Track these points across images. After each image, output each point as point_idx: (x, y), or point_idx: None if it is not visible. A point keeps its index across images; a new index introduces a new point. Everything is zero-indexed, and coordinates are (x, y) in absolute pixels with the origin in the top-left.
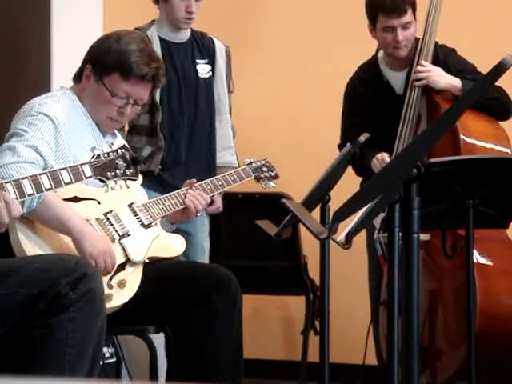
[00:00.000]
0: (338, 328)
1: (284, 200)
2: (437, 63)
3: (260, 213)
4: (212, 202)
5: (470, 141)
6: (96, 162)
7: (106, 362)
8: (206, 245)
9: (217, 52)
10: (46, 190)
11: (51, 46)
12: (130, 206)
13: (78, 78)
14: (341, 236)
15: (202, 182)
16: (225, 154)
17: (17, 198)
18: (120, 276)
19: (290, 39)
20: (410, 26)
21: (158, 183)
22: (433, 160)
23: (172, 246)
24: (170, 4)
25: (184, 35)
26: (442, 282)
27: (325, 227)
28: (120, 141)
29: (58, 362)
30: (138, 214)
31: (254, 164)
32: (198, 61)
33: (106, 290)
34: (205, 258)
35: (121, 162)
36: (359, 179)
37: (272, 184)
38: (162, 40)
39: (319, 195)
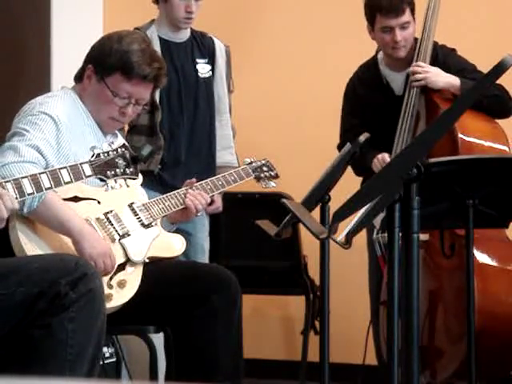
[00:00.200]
0: (338, 328)
1: (284, 200)
2: (436, 63)
3: (260, 213)
4: (212, 202)
5: (468, 139)
6: (96, 161)
7: (106, 361)
8: (206, 245)
9: (217, 52)
10: (46, 189)
11: (51, 46)
12: (130, 205)
13: (79, 77)
14: (341, 236)
15: (202, 181)
16: (225, 154)
17: (17, 198)
18: (120, 276)
19: (289, 39)
20: (409, 26)
21: (157, 183)
22: (433, 160)
23: (172, 245)
24: (169, 4)
25: (184, 35)
26: (441, 281)
27: (325, 227)
28: (120, 141)
29: (57, 362)
30: (138, 214)
31: (254, 164)
32: (197, 60)
33: (106, 290)
34: (205, 258)
35: (121, 161)
36: (359, 179)
37: (272, 184)
38: (161, 40)
39: (319, 195)
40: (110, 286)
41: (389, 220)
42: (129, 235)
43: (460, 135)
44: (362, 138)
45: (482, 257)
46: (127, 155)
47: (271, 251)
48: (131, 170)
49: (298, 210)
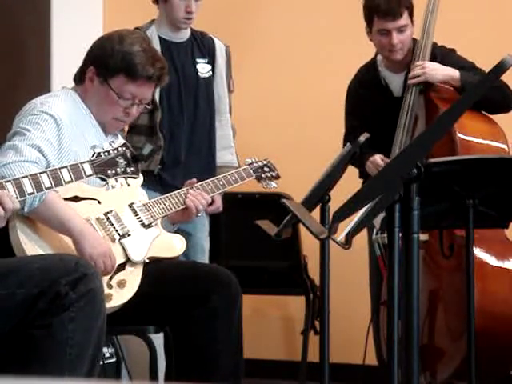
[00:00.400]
0: (338, 328)
1: (284, 200)
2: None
3: (260, 213)
4: (212, 202)
5: (466, 139)
6: (96, 161)
7: (106, 362)
8: (206, 245)
9: (217, 51)
10: (46, 188)
11: (51, 46)
12: (131, 205)
13: (79, 79)
14: (341, 236)
15: (203, 181)
16: (225, 154)
17: (17, 197)
18: (120, 276)
19: (290, 39)
20: (406, 29)
21: (157, 183)
22: (433, 160)
23: (172, 245)
24: (169, 4)
25: (184, 35)
26: (441, 281)
27: (325, 227)
28: (121, 141)
29: (57, 362)
30: (138, 214)
31: (255, 164)
32: (198, 60)
33: (106, 290)
34: (205, 258)
35: (121, 160)
36: (359, 179)
37: (273, 184)
38: (161, 39)
39: (319, 195)
40: (110, 286)
41: (389, 220)
42: (129, 235)
43: (458, 135)
44: (362, 138)
45: (481, 257)
46: (128, 154)
47: (271, 251)
48: (132, 169)
49: (298, 210)
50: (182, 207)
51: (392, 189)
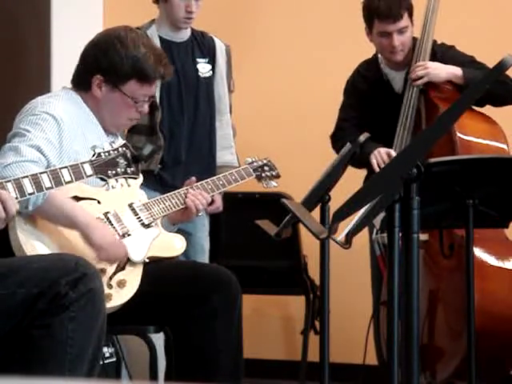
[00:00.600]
0: (338, 328)
1: (284, 200)
2: (435, 62)
3: (260, 213)
4: (212, 202)
5: (466, 139)
6: (97, 161)
7: (106, 361)
8: (206, 245)
9: (217, 51)
10: (47, 188)
11: (51, 46)
12: (131, 205)
13: (82, 86)
14: (341, 236)
15: (203, 181)
16: (225, 154)
17: (17, 197)
18: (120, 276)
19: (290, 38)
20: (406, 30)
21: (157, 183)
22: (433, 160)
23: (172, 245)
24: (169, 4)
25: (184, 34)
26: (441, 281)
27: (325, 227)
28: (121, 141)
29: (57, 362)
30: (138, 214)
31: (255, 163)
32: (198, 60)
33: (106, 290)
34: (205, 258)
35: (122, 161)
36: (359, 179)
37: (273, 183)
38: (162, 39)
39: (319, 195)
40: (110, 286)
41: (389, 220)
42: (129, 235)
43: (458, 135)
44: (362, 138)
45: (481, 256)
46: (128, 154)
47: (271, 251)
48: (132, 169)
49: (298, 210)
50: (182, 207)
51: (392, 189)
